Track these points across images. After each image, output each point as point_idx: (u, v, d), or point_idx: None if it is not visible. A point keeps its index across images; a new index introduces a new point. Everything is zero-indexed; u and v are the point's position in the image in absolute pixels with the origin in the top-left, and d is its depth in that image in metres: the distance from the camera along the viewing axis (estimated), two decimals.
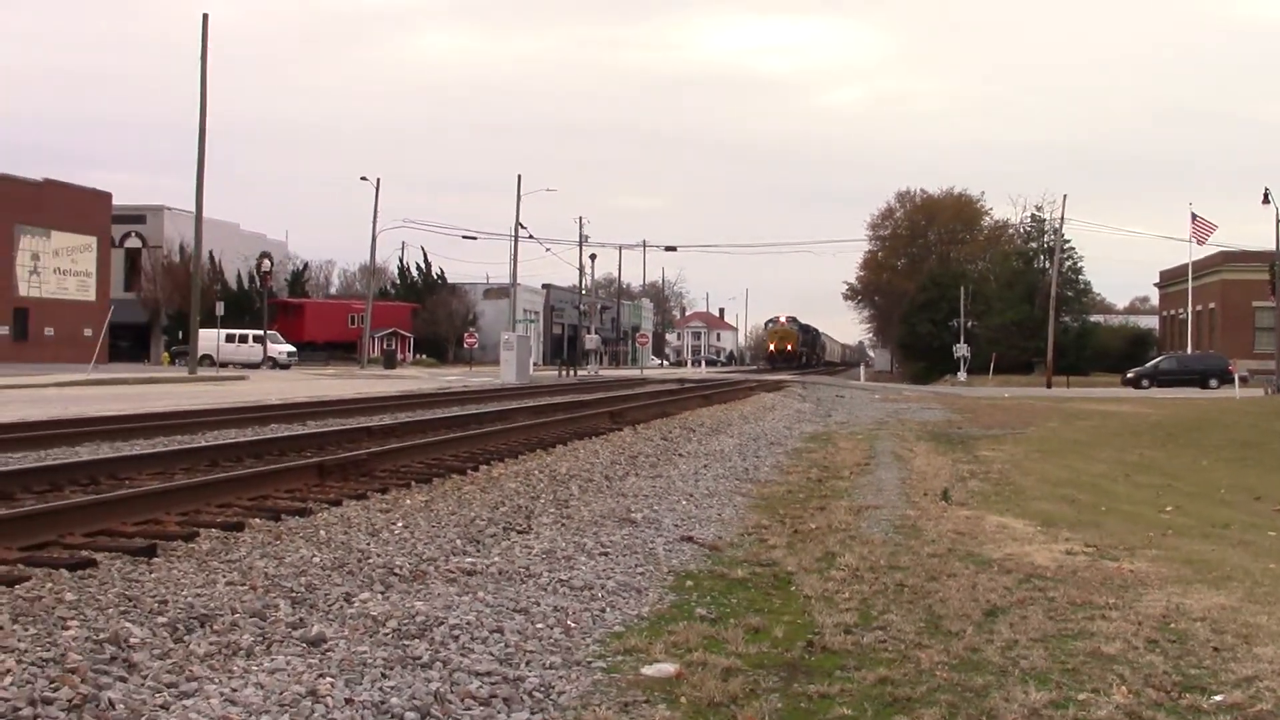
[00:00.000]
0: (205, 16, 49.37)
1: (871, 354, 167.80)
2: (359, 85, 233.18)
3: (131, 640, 6.01)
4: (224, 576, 7.66)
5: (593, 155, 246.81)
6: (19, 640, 5.89)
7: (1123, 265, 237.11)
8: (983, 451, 21.59)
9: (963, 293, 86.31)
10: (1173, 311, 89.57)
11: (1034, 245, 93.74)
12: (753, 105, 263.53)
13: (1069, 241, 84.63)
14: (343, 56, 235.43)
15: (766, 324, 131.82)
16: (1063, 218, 77.37)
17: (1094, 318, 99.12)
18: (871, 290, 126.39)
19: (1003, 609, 7.98)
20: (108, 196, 73.67)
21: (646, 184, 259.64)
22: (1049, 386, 64.22)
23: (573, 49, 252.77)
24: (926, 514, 12.65)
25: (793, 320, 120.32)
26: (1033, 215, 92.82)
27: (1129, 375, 67.10)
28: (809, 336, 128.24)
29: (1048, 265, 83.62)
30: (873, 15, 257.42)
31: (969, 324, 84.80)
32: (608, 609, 7.72)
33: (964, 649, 6.89)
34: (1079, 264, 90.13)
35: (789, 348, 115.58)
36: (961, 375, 74.16)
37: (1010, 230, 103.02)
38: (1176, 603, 8.21)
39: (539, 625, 7.10)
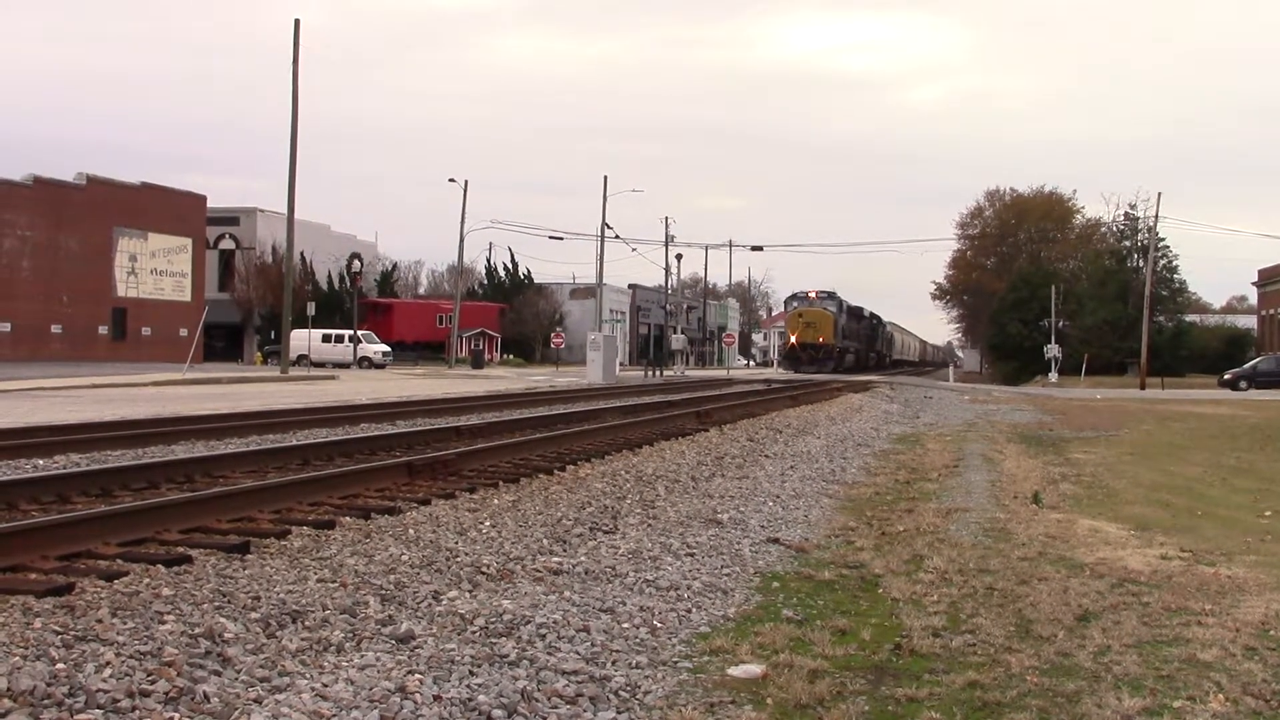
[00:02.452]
0: (297, 22, 50.16)
1: (960, 354, 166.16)
2: (446, 86, 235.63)
3: (226, 635, 6.12)
4: (315, 574, 7.77)
5: (677, 155, 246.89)
6: (118, 634, 6.03)
7: (1219, 264, 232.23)
8: (1074, 454, 21.25)
9: (1054, 292, 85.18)
10: (1272, 311, 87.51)
11: (1127, 244, 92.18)
12: (836, 103, 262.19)
13: (1163, 240, 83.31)
14: (429, 58, 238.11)
15: (786, 303, 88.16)
16: (1157, 215, 76.18)
17: (1189, 318, 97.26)
18: (960, 290, 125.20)
19: (1095, 614, 7.86)
20: (202, 199, 75.08)
21: (732, 184, 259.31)
22: (1143, 388, 63.13)
23: (655, 49, 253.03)
24: (1017, 517, 12.49)
25: (827, 297, 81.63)
26: (1126, 213, 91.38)
27: (1226, 376, 65.80)
28: (861, 325, 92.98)
29: (1141, 264, 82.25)
30: (954, 12, 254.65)
31: (1060, 324, 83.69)
32: (694, 609, 7.72)
33: (1055, 654, 6.80)
34: (1174, 263, 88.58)
35: (819, 340, 77.83)
36: (1053, 376, 73.19)
37: (1102, 229, 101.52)
38: (1276, 609, 8.02)
39: (625, 625, 7.12)
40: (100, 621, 6.22)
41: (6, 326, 59.09)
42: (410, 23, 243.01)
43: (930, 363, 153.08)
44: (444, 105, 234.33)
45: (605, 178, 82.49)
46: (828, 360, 77.46)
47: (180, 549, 8.24)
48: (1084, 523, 12.25)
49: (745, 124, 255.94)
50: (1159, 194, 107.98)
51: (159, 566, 7.61)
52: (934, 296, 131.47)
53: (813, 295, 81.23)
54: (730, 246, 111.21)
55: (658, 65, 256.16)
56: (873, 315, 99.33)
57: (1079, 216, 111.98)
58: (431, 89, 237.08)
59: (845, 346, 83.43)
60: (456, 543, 9.18)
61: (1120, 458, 20.68)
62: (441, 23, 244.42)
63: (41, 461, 13.87)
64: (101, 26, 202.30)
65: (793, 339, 79.39)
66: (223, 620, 6.36)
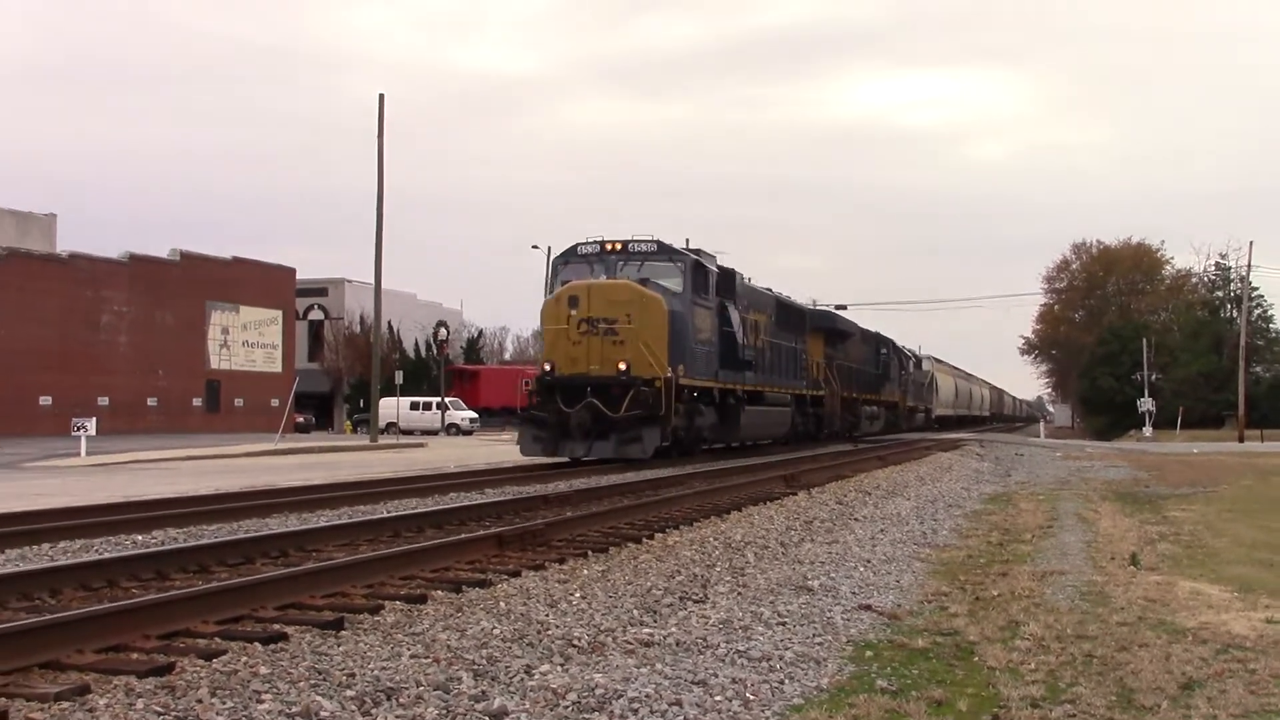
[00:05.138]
0: (381, 97, 51.28)
1: (1050, 409, 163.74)
2: (525, 152, 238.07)
3: (322, 714, 6.18)
4: (408, 649, 7.82)
5: (757, 215, 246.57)
6: (217, 713, 6.11)
7: None
8: (1172, 512, 20.82)
9: (1145, 345, 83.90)
10: None
11: (1219, 294, 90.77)
12: (910, 159, 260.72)
13: (1257, 289, 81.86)
14: (503, 126, 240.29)
15: (552, 271, 30.84)
16: (1249, 264, 74.96)
17: None
18: (1048, 344, 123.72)
19: (1199, 681, 7.67)
20: (291, 271, 76.60)
21: (806, 242, 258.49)
22: (1241, 441, 61.79)
23: (726, 110, 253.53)
24: (1114, 579, 12.24)
25: (657, 254, 29.31)
26: (1216, 263, 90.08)
27: None
28: (839, 350, 49.34)
29: (1235, 314, 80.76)
30: (1022, 66, 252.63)
31: (1153, 377, 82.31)
32: (786, 680, 7.65)
33: None
34: (1269, 312, 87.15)
35: (619, 366, 26.50)
36: (1147, 430, 71.86)
37: (1193, 279, 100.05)
38: None
39: (717, 697, 7.07)
40: (200, 701, 6.31)
41: (105, 400, 60.45)
42: (489, 90, 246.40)
43: (1016, 418, 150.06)
44: (525, 171, 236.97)
45: (687, 240, 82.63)
46: (647, 425, 27.00)
47: (276, 626, 8.34)
48: (1184, 585, 11.97)
49: (819, 181, 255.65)
50: (1250, 242, 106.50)
51: (255, 644, 7.70)
52: (1022, 351, 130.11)
53: (612, 249, 29.82)
54: (813, 305, 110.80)
55: (729, 126, 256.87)
56: (880, 337, 59.50)
57: (1168, 267, 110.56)
58: (508, 155, 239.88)
59: (730, 388, 33.14)
60: (547, 615, 9.19)
61: (1220, 515, 20.22)
62: (518, 89, 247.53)
63: (140, 537, 14.13)
64: (190, 104, 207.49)
65: (546, 366, 28.38)
66: (319, 699, 6.42)
